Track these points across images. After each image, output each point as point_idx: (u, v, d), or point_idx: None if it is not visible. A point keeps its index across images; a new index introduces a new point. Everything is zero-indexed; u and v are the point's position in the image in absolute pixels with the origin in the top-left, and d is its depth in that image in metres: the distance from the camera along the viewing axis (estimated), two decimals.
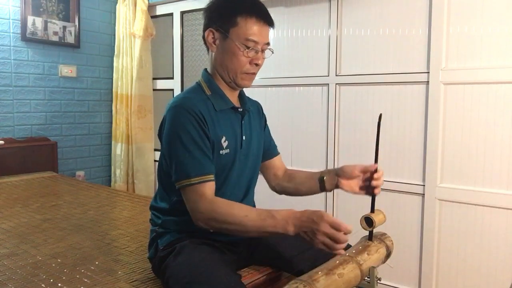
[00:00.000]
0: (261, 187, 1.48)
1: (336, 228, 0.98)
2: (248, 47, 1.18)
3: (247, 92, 1.39)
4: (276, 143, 1.50)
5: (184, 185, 1.12)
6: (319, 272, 0.96)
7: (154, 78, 3.59)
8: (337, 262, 1.03)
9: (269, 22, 1.22)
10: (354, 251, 1.11)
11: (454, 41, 2.11)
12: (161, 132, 1.23)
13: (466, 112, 2.09)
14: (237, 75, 1.22)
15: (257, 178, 1.37)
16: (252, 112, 1.35)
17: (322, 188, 1.33)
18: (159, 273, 1.24)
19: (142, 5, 3.39)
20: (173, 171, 1.15)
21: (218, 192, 1.16)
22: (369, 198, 1.16)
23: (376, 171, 1.19)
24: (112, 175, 3.63)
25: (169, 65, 3.53)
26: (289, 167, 1.51)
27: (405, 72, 2.28)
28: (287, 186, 1.41)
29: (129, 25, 3.44)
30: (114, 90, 3.57)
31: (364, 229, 1.11)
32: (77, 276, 1.35)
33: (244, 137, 1.27)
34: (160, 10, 3.55)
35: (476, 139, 2.07)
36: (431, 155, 2.19)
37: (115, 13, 3.59)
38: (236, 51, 1.18)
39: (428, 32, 2.19)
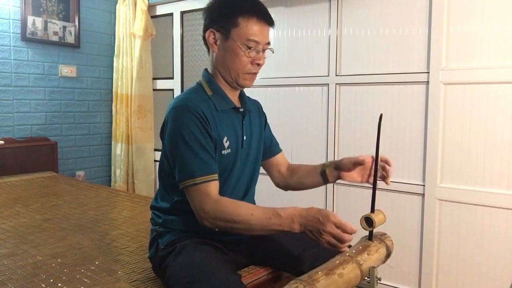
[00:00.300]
0: (262, 186, 1.49)
1: (342, 228, 1.00)
2: (249, 47, 1.18)
3: (247, 92, 1.39)
4: None
5: (189, 185, 1.12)
6: (319, 272, 0.96)
7: (154, 78, 3.59)
8: (337, 262, 1.03)
9: (270, 22, 1.22)
10: (354, 251, 1.11)
11: (454, 41, 2.11)
12: (163, 133, 1.23)
13: (466, 112, 2.09)
14: (239, 75, 1.22)
15: (257, 177, 1.37)
16: (252, 112, 1.36)
17: (325, 180, 1.34)
18: (159, 273, 1.24)
19: (142, 5, 3.39)
20: (176, 171, 1.15)
21: (219, 192, 1.16)
22: (369, 198, 1.16)
23: (378, 157, 1.20)
24: (112, 175, 3.63)
25: (169, 65, 3.54)
26: None
27: (405, 72, 2.28)
28: (291, 181, 1.42)
29: (129, 25, 3.44)
30: (114, 90, 3.57)
31: (364, 229, 1.11)
32: (77, 276, 1.35)
33: (245, 137, 1.28)
34: (160, 10, 3.55)
35: (476, 139, 2.07)
36: (431, 155, 2.19)
37: (115, 13, 3.59)
38: (238, 51, 1.19)
39: (428, 32, 2.19)
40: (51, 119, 3.29)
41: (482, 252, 2.08)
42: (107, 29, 3.64)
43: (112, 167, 3.63)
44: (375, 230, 1.17)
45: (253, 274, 1.29)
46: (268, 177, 1.50)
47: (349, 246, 1.20)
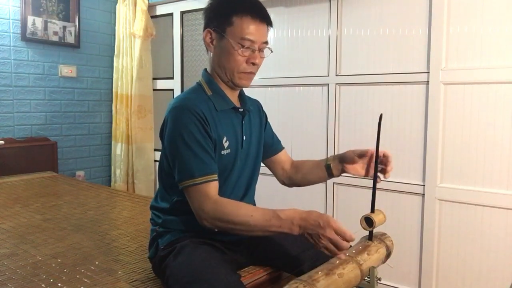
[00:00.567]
0: (262, 185, 1.49)
1: (341, 235, 1.00)
2: (243, 46, 1.18)
3: (247, 91, 1.39)
4: None
5: (188, 185, 1.12)
6: (319, 272, 0.96)
7: (154, 78, 3.59)
8: (337, 262, 1.03)
9: (266, 21, 1.22)
10: (354, 251, 1.11)
11: (454, 41, 2.11)
12: (162, 133, 1.23)
13: (466, 112, 2.09)
14: (234, 74, 1.22)
15: (257, 177, 1.37)
16: (252, 112, 1.36)
17: (330, 174, 1.35)
18: (159, 273, 1.24)
19: (142, 5, 3.39)
20: (176, 172, 1.15)
21: (219, 192, 1.16)
22: (369, 198, 1.16)
23: (377, 156, 1.20)
24: (112, 175, 3.63)
25: (169, 65, 3.53)
26: None
27: (405, 72, 2.28)
28: (295, 177, 1.42)
29: (129, 25, 3.44)
30: (114, 90, 3.57)
31: (364, 229, 1.11)
32: (77, 276, 1.35)
33: (244, 137, 1.28)
34: (160, 10, 3.55)
35: (476, 139, 2.07)
36: (431, 155, 2.19)
37: (115, 13, 3.59)
38: (232, 51, 1.18)
39: (428, 32, 2.19)
40: (51, 119, 3.29)
41: (482, 252, 2.08)
42: (107, 29, 3.64)
43: (112, 167, 3.63)
44: (375, 230, 1.17)
45: (253, 274, 1.29)
46: (268, 177, 1.51)
47: (349, 246, 1.20)
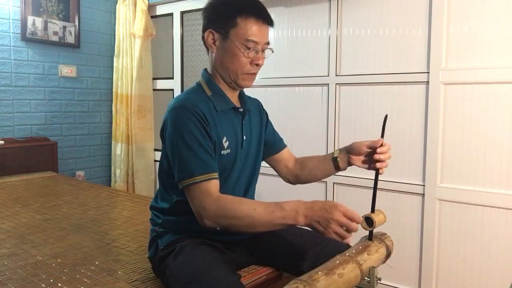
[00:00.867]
0: (262, 185, 1.48)
1: (350, 217, 1.00)
2: (248, 48, 1.18)
3: (247, 91, 1.39)
4: None
5: (188, 183, 1.11)
6: (319, 272, 0.96)
7: (154, 78, 3.59)
8: (337, 262, 1.03)
9: (269, 22, 1.22)
10: (354, 251, 1.11)
11: (454, 41, 2.11)
12: (163, 133, 1.22)
13: (466, 112, 2.09)
14: (238, 75, 1.22)
15: (257, 176, 1.37)
16: (252, 112, 1.36)
17: (337, 167, 1.34)
18: (159, 273, 1.24)
19: (142, 5, 3.39)
20: (176, 171, 1.15)
21: (219, 191, 1.16)
22: (369, 198, 1.16)
23: (382, 145, 1.20)
24: (112, 175, 3.63)
25: (169, 65, 3.53)
26: None
27: (405, 72, 2.28)
28: (301, 173, 1.42)
29: (129, 25, 3.44)
30: (114, 90, 3.57)
31: (364, 229, 1.11)
32: (77, 276, 1.35)
33: (244, 137, 1.28)
34: (160, 10, 3.55)
35: (476, 139, 2.07)
36: (431, 155, 2.19)
37: (115, 13, 3.59)
38: (237, 52, 1.18)
39: (428, 32, 2.19)
40: (51, 119, 3.29)
41: (482, 252, 2.08)
42: (107, 29, 3.64)
43: (112, 167, 3.64)
44: (375, 230, 1.17)
45: (253, 274, 1.29)
46: (268, 177, 1.51)
47: (349, 246, 1.21)
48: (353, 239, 1.06)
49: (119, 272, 1.38)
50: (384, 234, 1.26)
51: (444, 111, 2.15)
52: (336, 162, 1.34)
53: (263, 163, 1.42)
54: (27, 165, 3.08)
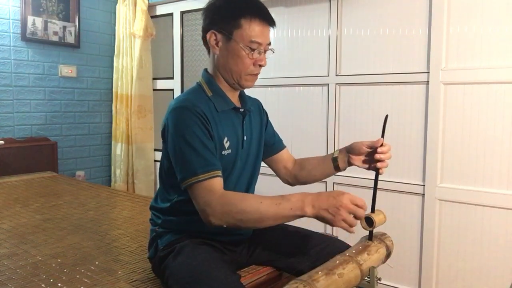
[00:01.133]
0: (262, 185, 1.48)
1: (358, 204, 1.01)
2: (252, 49, 1.18)
3: (247, 91, 1.39)
4: None
5: (192, 182, 1.10)
6: (319, 272, 0.96)
7: (154, 78, 3.59)
8: (337, 262, 1.03)
9: (271, 23, 1.22)
10: (354, 251, 1.11)
11: (454, 41, 2.11)
12: (164, 134, 1.22)
13: (466, 112, 2.09)
14: (241, 76, 1.22)
15: (257, 176, 1.37)
16: (253, 112, 1.36)
17: (336, 167, 1.34)
18: (159, 273, 1.24)
19: (142, 5, 3.39)
20: (178, 171, 1.14)
21: None
22: (369, 198, 1.16)
23: (382, 145, 1.20)
24: (112, 175, 3.63)
25: (169, 65, 3.54)
26: None
27: (405, 72, 2.28)
28: (300, 174, 1.42)
29: (129, 25, 3.44)
30: (114, 90, 3.57)
31: (364, 229, 1.11)
32: (77, 276, 1.35)
33: (245, 137, 1.28)
34: (160, 10, 3.55)
35: (476, 139, 2.07)
36: (431, 155, 2.19)
37: (115, 13, 3.59)
38: (241, 53, 1.18)
39: (428, 32, 2.19)
40: (51, 119, 3.29)
41: (482, 252, 2.08)
42: (107, 29, 3.64)
43: (112, 167, 3.64)
44: (375, 230, 1.17)
45: (253, 274, 1.29)
46: (268, 177, 1.51)
47: (349, 246, 1.21)
48: (353, 239, 1.06)
49: (119, 272, 1.38)
50: (384, 234, 1.26)
51: (444, 111, 2.15)
52: (336, 162, 1.33)
53: (263, 163, 1.42)
54: (27, 165, 3.08)
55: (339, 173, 1.40)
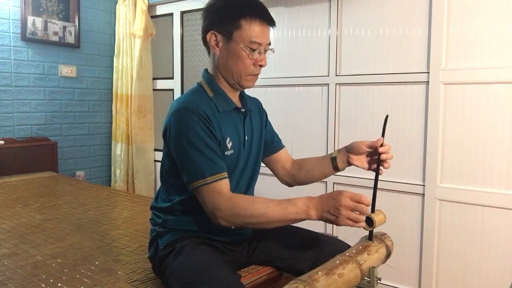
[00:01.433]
0: (262, 185, 1.48)
1: (357, 200, 1.02)
2: (253, 50, 1.18)
3: (247, 91, 1.39)
4: None
5: (200, 185, 1.11)
6: (319, 272, 0.96)
7: (154, 78, 3.59)
8: (337, 262, 1.03)
9: (271, 23, 1.22)
10: (354, 251, 1.11)
11: (454, 41, 2.11)
12: (166, 135, 1.21)
13: (466, 112, 2.09)
14: (242, 77, 1.22)
15: (258, 175, 1.37)
16: (253, 111, 1.36)
17: (335, 167, 1.34)
18: (159, 273, 1.24)
19: (142, 5, 3.39)
20: (184, 173, 1.15)
21: None
22: (369, 198, 1.16)
23: (382, 145, 1.20)
24: (112, 175, 3.63)
25: (169, 65, 3.54)
26: None
27: (405, 72, 2.28)
28: (298, 174, 1.42)
29: (129, 25, 3.44)
30: (114, 90, 3.57)
31: (364, 229, 1.11)
32: (77, 276, 1.35)
33: (246, 137, 1.28)
34: (160, 10, 3.55)
35: (476, 139, 2.07)
36: (431, 155, 2.19)
37: (115, 13, 3.59)
38: (241, 54, 1.18)
39: (428, 32, 2.19)
40: (51, 119, 3.29)
41: (482, 252, 2.08)
42: (107, 29, 3.64)
43: (112, 167, 3.64)
44: (375, 230, 1.17)
45: (253, 274, 1.29)
46: (268, 177, 1.50)
47: (349, 246, 1.21)
48: (353, 239, 1.06)
49: (119, 272, 1.38)
50: (384, 234, 1.26)
51: (444, 111, 2.15)
52: (335, 162, 1.33)
53: (262, 164, 1.42)
54: (27, 165, 3.08)
55: (339, 173, 1.40)
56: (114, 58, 3.55)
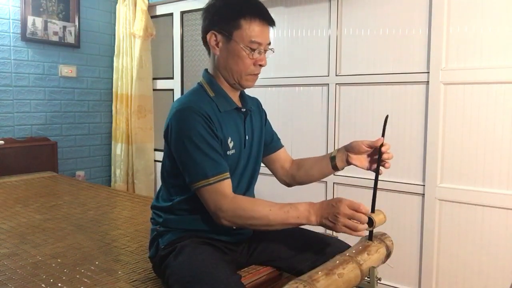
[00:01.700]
0: (262, 186, 1.48)
1: (355, 209, 1.02)
2: (252, 49, 1.19)
3: (247, 91, 1.39)
4: None
5: (202, 185, 1.12)
6: (319, 272, 0.96)
7: (154, 78, 3.59)
8: (337, 262, 1.03)
9: (271, 23, 1.22)
10: (354, 251, 1.11)
11: (454, 41, 2.11)
12: (167, 135, 1.21)
13: (466, 112, 2.09)
14: (242, 76, 1.22)
15: (257, 175, 1.37)
16: (253, 111, 1.36)
17: (334, 167, 1.34)
18: (159, 273, 1.24)
19: (142, 5, 3.39)
20: (186, 173, 1.15)
21: None
22: (369, 198, 1.16)
23: (382, 145, 1.20)
24: (112, 175, 3.63)
25: (169, 65, 3.54)
26: None
27: (405, 72, 2.28)
28: (297, 174, 1.42)
29: (129, 25, 3.44)
30: (114, 90, 3.57)
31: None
32: (77, 276, 1.35)
33: (247, 137, 1.28)
34: (160, 10, 3.55)
35: (476, 139, 2.07)
36: (431, 155, 2.19)
37: (115, 13, 3.59)
38: (241, 54, 1.19)
39: (428, 32, 2.19)
40: (51, 119, 3.29)
41: (482, 252, 2.08)
42: (107, 29, 3.64)
43: (112, 167, 3.64)
44: (375, 230, 1.17)
45: (253, 274, 1.29)
46: (268, 177, 1.50)
47: (349, 246, 1.21)
48: (353, 239, 1.06)
49: (119, 272, 1.38)
50: (384, 234, 1.26)
51: (444, 111, 2.15)
52: (334, 161, 1.33)
53: (262, 164, 1.42)
54: (27, 165, 3.08)
55: (339, 173, 1.40)
56: (114, 58, 3.55)
